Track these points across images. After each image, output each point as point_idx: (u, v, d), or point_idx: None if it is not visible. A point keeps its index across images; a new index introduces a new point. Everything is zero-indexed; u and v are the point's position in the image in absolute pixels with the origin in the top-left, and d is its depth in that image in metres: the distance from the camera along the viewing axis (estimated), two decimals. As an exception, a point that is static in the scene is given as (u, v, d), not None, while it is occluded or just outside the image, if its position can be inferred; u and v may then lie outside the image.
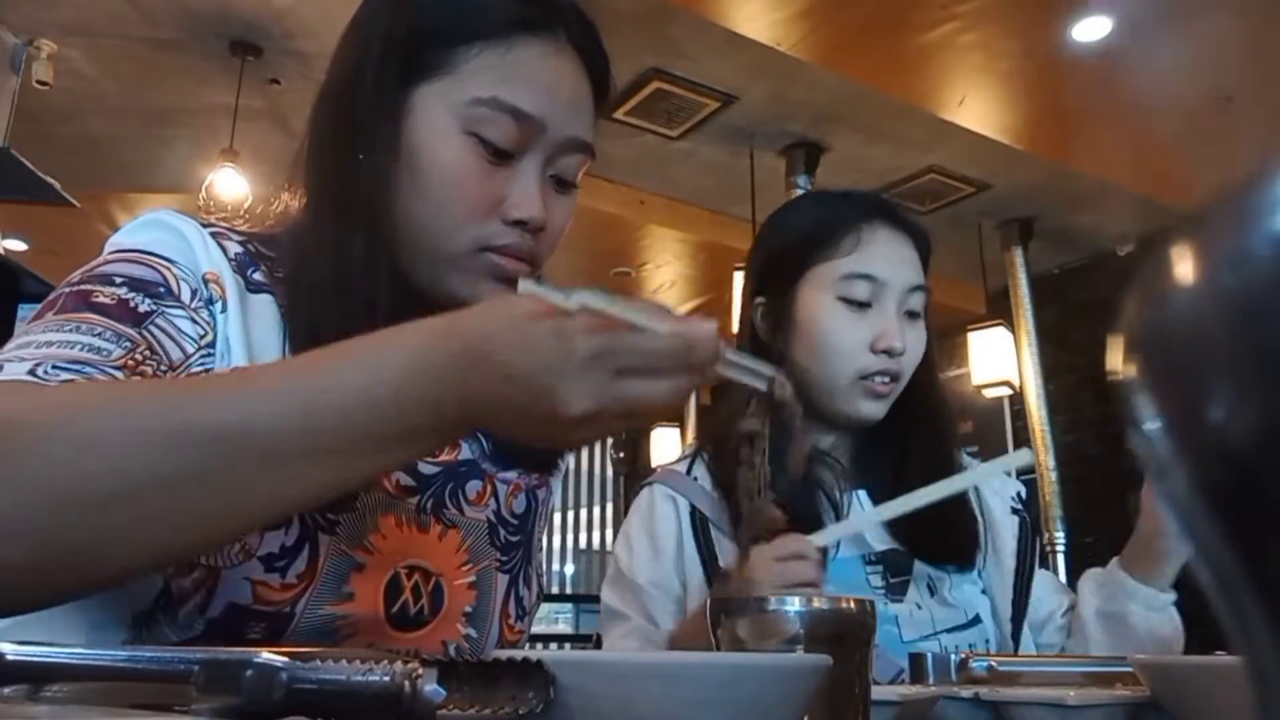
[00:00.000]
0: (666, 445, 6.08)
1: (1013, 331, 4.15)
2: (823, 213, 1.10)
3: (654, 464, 5.92)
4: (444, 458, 0.76)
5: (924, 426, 1.08)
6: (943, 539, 1.05)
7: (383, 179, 0.69)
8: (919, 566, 1.05)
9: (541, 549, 0.87)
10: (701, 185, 4.05)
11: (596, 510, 7.46)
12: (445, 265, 0.70)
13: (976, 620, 1.04)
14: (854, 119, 3.48)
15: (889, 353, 1.02)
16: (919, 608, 1.02)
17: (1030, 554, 1.10)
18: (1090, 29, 2.95)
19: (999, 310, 4.35)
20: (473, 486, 0.77)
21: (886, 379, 1.03)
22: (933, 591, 1.04)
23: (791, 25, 2.95)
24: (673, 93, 3.34)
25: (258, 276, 0.70)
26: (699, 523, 1.07)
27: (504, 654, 0.38)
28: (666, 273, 4.88)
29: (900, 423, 1.07)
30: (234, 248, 0.70)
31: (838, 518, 1.05)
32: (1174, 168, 3.66)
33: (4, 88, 2.97)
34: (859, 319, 1.04)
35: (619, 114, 3.48)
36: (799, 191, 3.64)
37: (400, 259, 0.70)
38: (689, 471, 1.12)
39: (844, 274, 1.04)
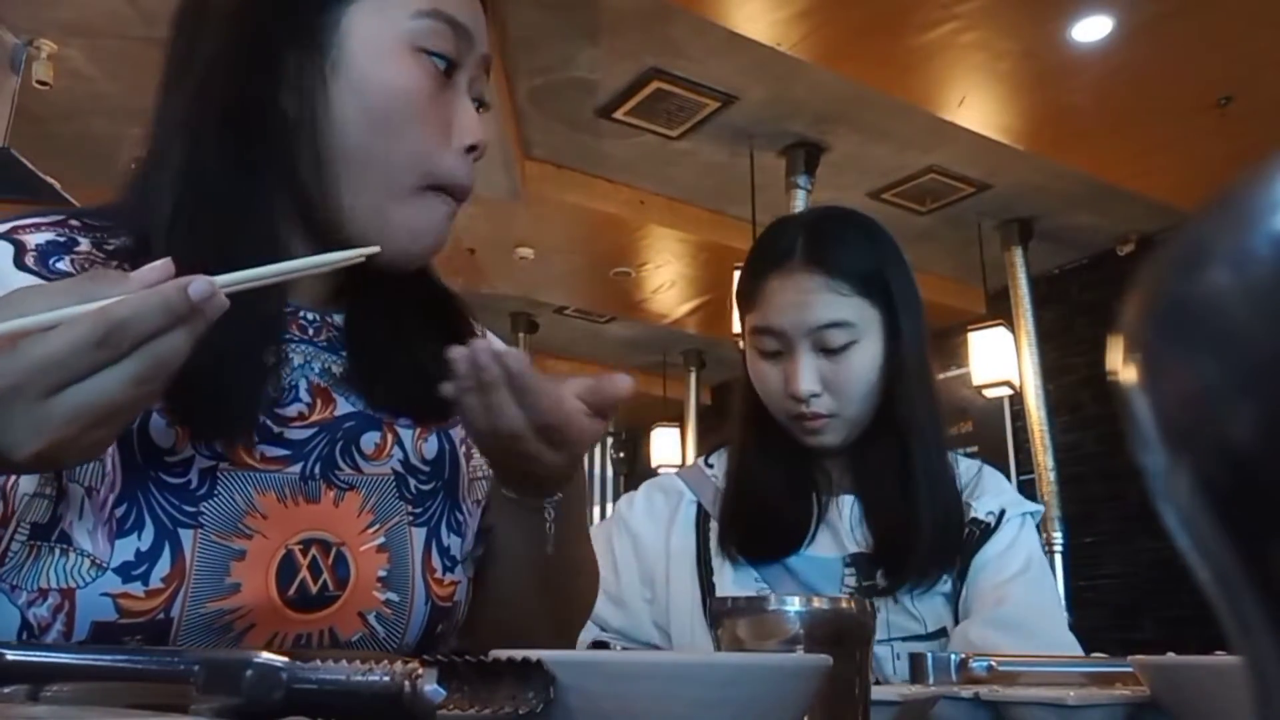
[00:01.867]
0: (666, 445, 6.08)
1: (1013, 331, 4.15)
2: (750, 261, 1.14)
3: (654, 464, 5.94)
4: (315, 416, 0.69)
5: (910, 437, 1.07)
6: (900, 555, 1.05)
7: (315, 109, 0.65)
8: (880, 575, 1.06)
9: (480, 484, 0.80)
10: (701, 185, 4.05)
11: (596, 510, 7.46)
12: (395, 203, 0.66)
13: (940, 633, 1.04)
14: (854, 119, 3.48)
15: (795, 398, 1.05)
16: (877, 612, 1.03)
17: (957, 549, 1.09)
18: (1090, 29, 2.95)
19: (999, 310, 4.35)
20: (369, 439, 0.71)
21: (809, 419, 1.05)
22: (895, 600, 1.05)
23: (791, 25, 2.95)
24: (673, 93, 3.34)
25: (62, 265, 0.63)
26: (703, 515, 1.11)
27: (504, 654, 0.38)
28: (666, 273, 4.88)
29: (890, 433, 1.08)
30: (37, 239, 0.64)
31: (820, 522, 1.09)
32: (1174, 168, 3.67)
33: (4, 88, 2.97)
34: (772, 366, 1.08)
35: (619, 114, 3.48)
36: (799, 191, 3.65)
37: (340, 200, 0.66)
38: (707, 462, 1.17)
39: (752, 329, 1.10)
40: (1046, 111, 3.41)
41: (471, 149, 0.69)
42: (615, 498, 7.45)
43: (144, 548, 0.59)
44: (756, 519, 1.09)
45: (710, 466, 1.16)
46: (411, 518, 0.71)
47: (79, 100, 3.26)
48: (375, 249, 0.59)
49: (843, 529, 1.09)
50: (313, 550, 0.65)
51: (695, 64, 3.19)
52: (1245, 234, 0.17)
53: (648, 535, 1.14)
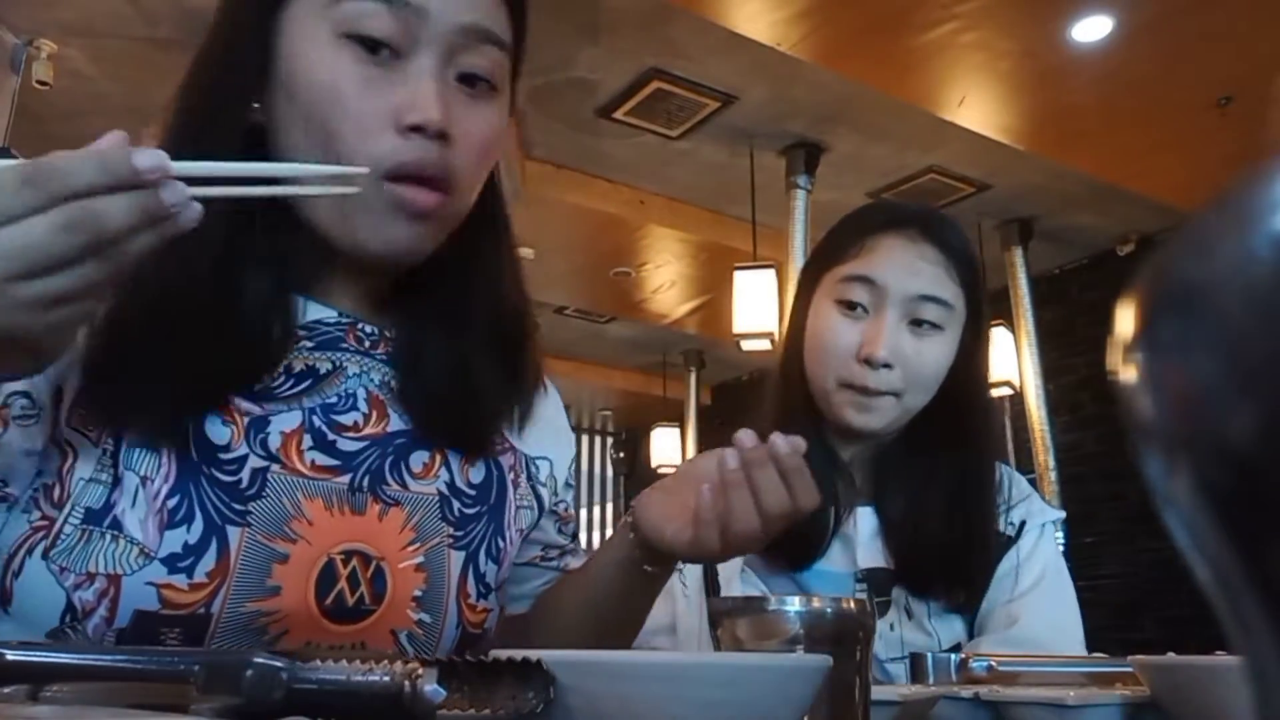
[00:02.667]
0: (666, 445, 6.08)
1: (1013, 331, 4.15)
2: (847, 221, 1.09)
3: (654, 464, 5.94)
4: (368, 430, 0.69)
5: (951, 443, 1.03)
6: (928, 573, 1.02)
7: (271, 119, 0.65)
8: (897, 591, 1.03)
9: (541, 512, 0.81)
10: (701, 185, 4.05)
11: (596, 510, 7.46)
12: (349, 202, 0.63)
13: (955, 650, 1.01)
14: (854, 119, 3.48)
15: (869, 362, 0.99)
16: (891, 629, 1.01)
17: (985, 567, 1.06)
18: (1090, 29, 2.95)
19: (999, 310, 4.35)
20: (418, 458, 0.71)
21: (867, 391, 1.00)
22: (910, 615, 1.02)
23: (791, 25, 2.95)
24: (673, 93, 3.34)
25: None
26: None
27: (504, 654, 0.38)
28: (666, 273, 4.88)
29: (926, 438, 1.03)
30: None
31: (834, 531, 1.04)
32: (1174, 168, 3.67)
33: (4, 88, 2.97)
34: (850, 323, 1.01)
35: (619, 114, 3.48)
36: (799, 191, 3.65)
37: (301, 208, 0.65)
38: None
39: (843, 277, 1.03)
40: (1046, 111, 3.41)
41: (417, 129, 0.63)
42: (615, 498, 7.45)
43: (192, 541, 0.60)
44: None
45: None
46: (452, 540, 0.70)
47: (79, 100, 3.26)
48: (364, 170, 0.59)
49: (858, 541, 1.04)
50: (354, 562, 0.65)
51: (695, 64, 3.19)
52: (1245, 234, 0.17)
53: None
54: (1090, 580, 4.26)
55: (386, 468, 0.68)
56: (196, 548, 0.60)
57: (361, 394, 0.70)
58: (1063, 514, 1.14)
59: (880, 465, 1.07)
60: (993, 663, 0.79)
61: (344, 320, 0.71)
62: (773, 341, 3.48)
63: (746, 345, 3.59)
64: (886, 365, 0.99)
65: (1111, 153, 3.62)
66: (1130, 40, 2.98)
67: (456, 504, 0.72)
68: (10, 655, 0.36)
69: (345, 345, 0.71)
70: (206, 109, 0.66)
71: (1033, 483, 4.08)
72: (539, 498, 0.80)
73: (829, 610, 0.52)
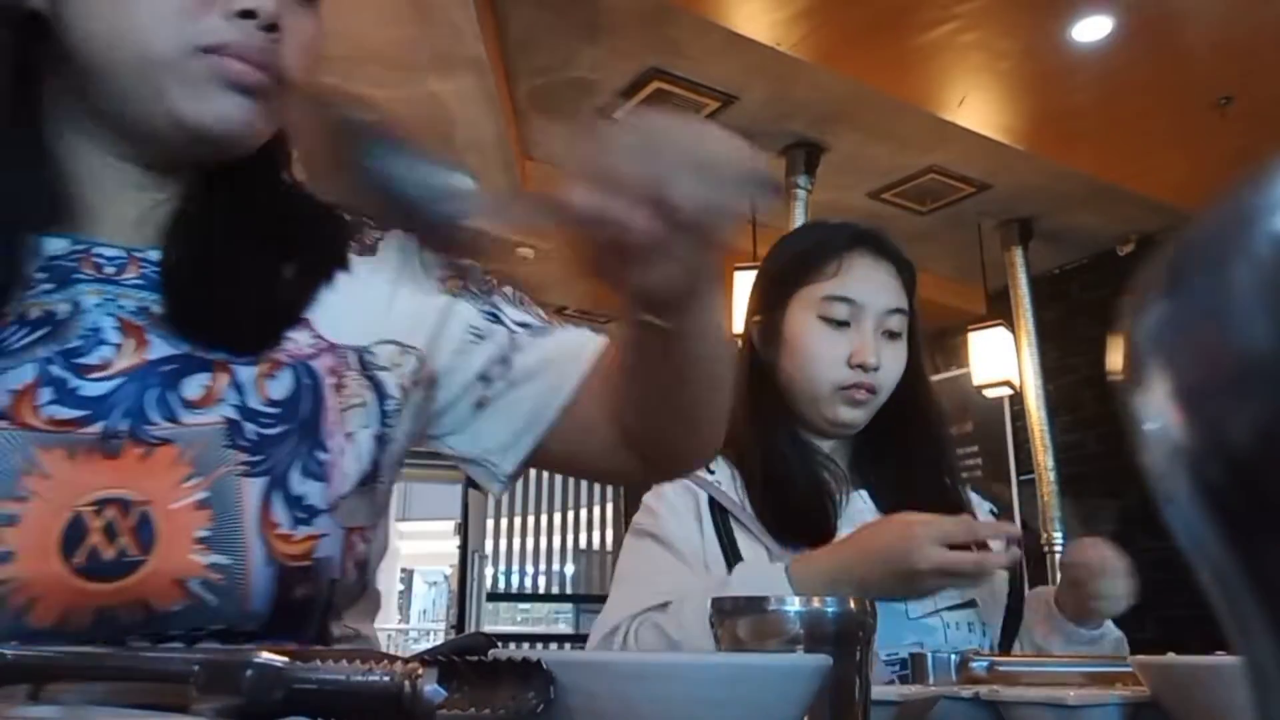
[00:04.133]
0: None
1: (1013, 331, 4.15)
2: (813, 239, 1.24)
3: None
4: (122, 363, 0.61)
5: (917, 433, 1.20)
6: None
7: (51, 9, 0.61)
8: None
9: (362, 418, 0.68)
10: (701, 185, 4.04)
11: (596, 510, 7.46)
12: (163, 76, 0.60)
13: (972, 603, 1.14)
14: (854, 119, 3.48)
15: (863, 367, 1.14)
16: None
17: (1021, 569, 1.22)
18: (1090, 29, 2.95)
19: (999, 310, 4.35)
20: (194, 383, 0.62)
21: (862, 390, 1.15)
22: None
23: (791, 25, 2.95)
24: (673, 93, 3.34)
25: None
26: (718, 511, 1.12)
27: (504, 654, 0.38)
28: (666, 273, 4.87)
29: (893, 430, 1.19)
30: None
31: (838, 515, 1.13)
32: (1174, 168, 3.67)
33: (4, 88, 2.97)
34: (838, 336, 1.16)
35: (619, 114, 3.48)
36: (799, 191, 3.65)
37: (115, 89, 0.61)
38: (709, 469, 1.18)
39: (825, 295, 1.16)
40: (1046, 111, 3.41)
41: (248, 15, 0.60)
42: (615, 498, 7.45)
43: None
44: (782, 511, 1.11)
45: (712, 473, 1.16)
46: (247, 468, 0.61)
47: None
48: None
49: (869, 517, 1.13)
50: (109, 512, 0.57)
51: (695, 64, 3.19)
52: (1245, 234, 0.17)
53: (681, 533, 1.12)
54: (1090, 580, 4.25)
55: (150, 403, 0.60)
56: None
57: (109, 323, 0.63)
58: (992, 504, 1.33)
59: (858, 454, 1.21)
60: (993, 662, 0.79)
61: (77, 249, 0.64)
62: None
63: (746, 345, 3.58)
64: (876, 368, 1.15)
65: (1111, 153, 3.62)
66: (1130, 40, 2.98)
67: (251, 426, 0.62)
68: (10, 655, 0.36)
69: (81, 275, 0.64)
70: None
71: (1033, 483, 4.10)
72: (378, 385, 0.70)
73: (829, 610, 0.52)
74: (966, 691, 0.64)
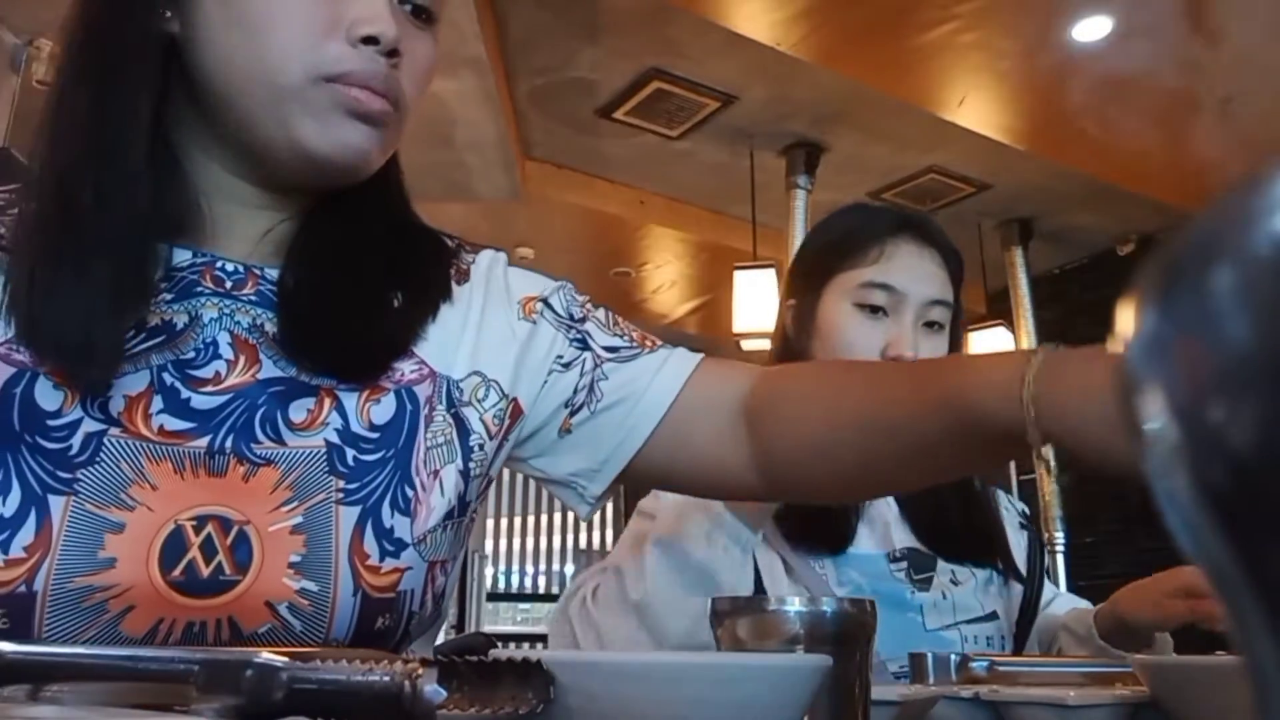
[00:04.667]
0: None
1: (1013, 331, 4.15)
2: (853, 223, 1.16)
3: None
4: (233, 380, 0.62)
5: None
6: (961, 538, 1.12)
7: (192, 26, 0.62)
8: (941, 564, 1.10)
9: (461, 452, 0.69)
10: (701, 185, 4.05)
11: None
12: (289, 104, 0.61)
13: (994, 615, 1.10)
14: (854, 119, 3.48)
15: (898, 360, 1.06)
16: (944, 597, 1.08)
17: (1040, 568, 1.18)
18: (1090, 29, 2.95)
19: (999, 310, 4.35)
20: (300, 406, 0.63)
21: None
22: (956, 584, 1.10)
23: (791, 25, 2.95)
24: (673, 93, 3.34)
25: None
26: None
27: (504, 654, 0.38)
28: (666, 273, 4.88)
29: None
30: None
31: (859, 520, 1.11)
32: (1174, 167, 3.67)
33: (4, 88, 2.97)
34: (874, 325, 1.10)
35: (619, 114, 3.48)
36: (799, 191, 3.65)
37: (241, 117, 0.63)
38: None
39: (863, 282, 1.10)
40: (1046, 111, 3.41)
41: (370, 40, 0.61)
42: (615, 497, 7.43)
43: (7, 514, 0.55)
44: (802, 519, 1.08)
45: None
46: (342, 495, 0.62)
47: (79, 100, 3.25)
48: None
49: (890, 521, 1.12)
50: (208, 528, 0.58)
51: (695, 64, 3.19)
52: (1245, 234, 0.17)
53: (697, 553, 1.09)
54: (1090, 580, 4.25)
55: (256, 422, 0.61)
56: (12, 520, 0.55)
57: (224, 339, 0.64)
58: (1025, 506, 1.28)
59: None
60: (993, 662, 0.79)
61: (199, 261, 0.66)
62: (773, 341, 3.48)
63: (746, 345, 3.59)
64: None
65: (1111, 153, 3.62)
66: (1130, 40, 2.98)
67: (351, 452, 0.63)
68: (10, 655, 0.36)
69: (201, 288, 0.65)
70: (109, 17, 0.62)
71: (1033, 483, 4.10)
72: (461, 420, 0.70)
73: (829, 610, 0.52)
74: (966, 691, 0.64)
